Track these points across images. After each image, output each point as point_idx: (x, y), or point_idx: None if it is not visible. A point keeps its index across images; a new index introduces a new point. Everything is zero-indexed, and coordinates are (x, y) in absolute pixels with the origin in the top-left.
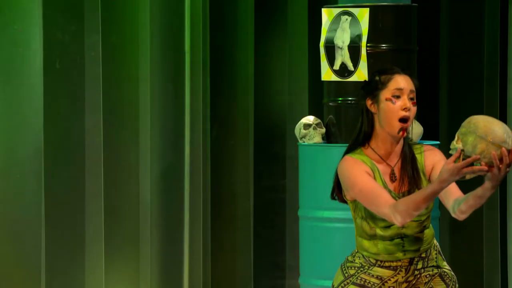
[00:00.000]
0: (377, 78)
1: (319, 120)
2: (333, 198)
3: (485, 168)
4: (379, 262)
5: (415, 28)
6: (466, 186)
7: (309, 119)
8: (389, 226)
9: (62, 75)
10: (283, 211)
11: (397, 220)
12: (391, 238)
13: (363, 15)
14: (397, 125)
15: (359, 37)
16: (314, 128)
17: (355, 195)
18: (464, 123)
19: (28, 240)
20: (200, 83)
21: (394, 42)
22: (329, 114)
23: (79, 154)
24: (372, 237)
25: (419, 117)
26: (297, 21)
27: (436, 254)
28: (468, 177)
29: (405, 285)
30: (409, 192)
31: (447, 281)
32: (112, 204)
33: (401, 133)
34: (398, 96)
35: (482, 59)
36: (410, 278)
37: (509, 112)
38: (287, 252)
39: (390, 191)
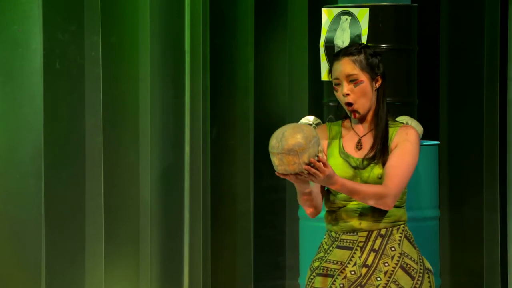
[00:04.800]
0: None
1: (319, 120)
2: None
3: (290, 177)
4: (337, 236)
5: (415, 28)
6: (462, 186)
7: (309, 119)
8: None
9: (62, 75)
10: (283, 211)
11: None
12: (345, 203)
13: (363, 15)
14: (347, 108)
15: (359, 37)
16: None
17: None
18: None
19: (28, 240)
20: (200, 83)
21: (394, 42)
22: (329, 114)
23: (79, 154)
24: (333, 203)
25: (419, 117)
26: (297, 21)
27: (401, 237)
28: (304, 179)
29: (364, 270)
30: (373, 157)
31: (412, 273)
32: (112, 204)
33: (353, 114)
34: (338, 84)
35: (482, 59)
36: (369, 262)
37: (509, 112)
38: (287, 252)
39: (349, 156)
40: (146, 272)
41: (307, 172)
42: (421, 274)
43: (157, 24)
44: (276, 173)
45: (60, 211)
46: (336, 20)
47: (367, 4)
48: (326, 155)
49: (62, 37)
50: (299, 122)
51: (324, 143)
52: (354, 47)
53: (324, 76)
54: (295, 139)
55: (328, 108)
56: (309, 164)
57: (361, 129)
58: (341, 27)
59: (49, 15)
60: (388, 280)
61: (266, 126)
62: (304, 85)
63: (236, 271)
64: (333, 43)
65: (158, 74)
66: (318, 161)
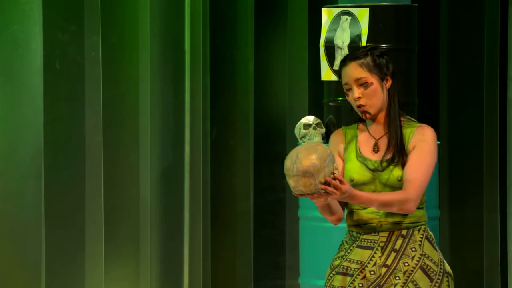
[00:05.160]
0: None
1: (319, 120)
2: None
3: (307, 196)
4: (358, 236)
5: (415, 28)
6: (462, 186)
7: (309, 119)
8: None
9: (62, 75)
10: (283, 211)
11: None
12: (365, 207)
13: (363, 15)
14: (359, 111)
15: (359, 37)
16: (314, 128)
17: None
18: None
19: (28, 240)
20: (200, 83)
21: (394, 42)
22: (329, 114)
23: (79, 154)
24: (353, 205)
25: (419, 117)
26: (297, 21)
27: (422, 238)
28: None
29: (384, 270)
30: (392, 159)
31: (431, 275)
32: (112, 204)
33: (363, 115)
34: (348, 89)
35: (482, 59)
36: (389, 262)
37: (509, 112)
38: (287, 252)
39: (366, 159)
40: (146, 272)
41: (323, 191)
42: (440, 277)
43: (157, 24)
44: (293, 193)
45: (60, 211)
46: (336, 20)
47: (367, 4)
48: (343, 160)
49: (62, 37)
50: (299, 122)
51: (341, 147)
52: (361, 50)
53: (324, 76)
54: (310, 161)
55: (328, 108)
56: (325, 183)
57: (376, 131)
58: (341, 27)
59: (49, 15)
60: (406, 280)
61: (266, 126)
62: (304, 85)
63: (236, 271)
64: (333, 43)
65: (158, 74)
66: (334, 179)
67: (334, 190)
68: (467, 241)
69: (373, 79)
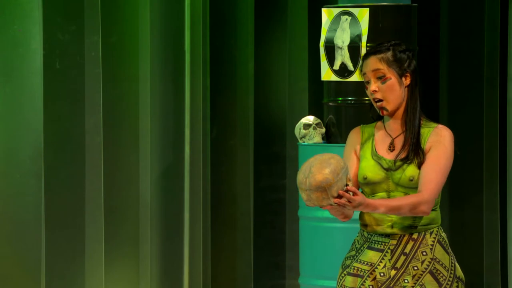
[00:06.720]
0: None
1: (319, 120)
2: None
3: (324, 206)
4: (369, 237)
5: (415, 28)
6: (462, 186)
7: (309, 119)
8: (373, 194)
9: (62, 75)
10: (283, 211)
11: None
12: None
13: (363, 15)
14: (376, 105)
15: (359, 37)
16: (314, 128)
17: None
18: None
19: (28, 240)
20: (200, 83)
21: None
22: (329, 114)
23: (79, 154)
24: None
25: None
26: (297, 21)
27: (434, 242)
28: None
29: (393, 272)
30: (407, 158)
31: (440, 280)
32: (112, 204)
33: (380, 111)
34: (367, 82)
35: (482, 59)
36: (398, 265)
37: (509, 112)
38: (287, 252)
39: (381, 158)
40: (146, 272)
41: (336, 204)
42: (449, 282)
43: (157, 24)
44: (305, 204)
45: (60, 211)
46: (336, 20)
47: (367, 4)
48: (359, 158)
49: (62, 37)
50: (299, 122)
51: (357, 145)
52: (384, 45)
53: (324, 76)
54: (323, 175)
55: (328, 108)
56: (338, 196)
57: (394, 129)
58: (341, 27)
59: (49, 15)
60: (415, 283)
61: (266, 126)
62: (304, 85)
63: (236, 271)
64: (333, 43)
65: (158, 74)
66: (347, 191)
67: (347, 203)
68: (467, 241)
69: (390, 74)
